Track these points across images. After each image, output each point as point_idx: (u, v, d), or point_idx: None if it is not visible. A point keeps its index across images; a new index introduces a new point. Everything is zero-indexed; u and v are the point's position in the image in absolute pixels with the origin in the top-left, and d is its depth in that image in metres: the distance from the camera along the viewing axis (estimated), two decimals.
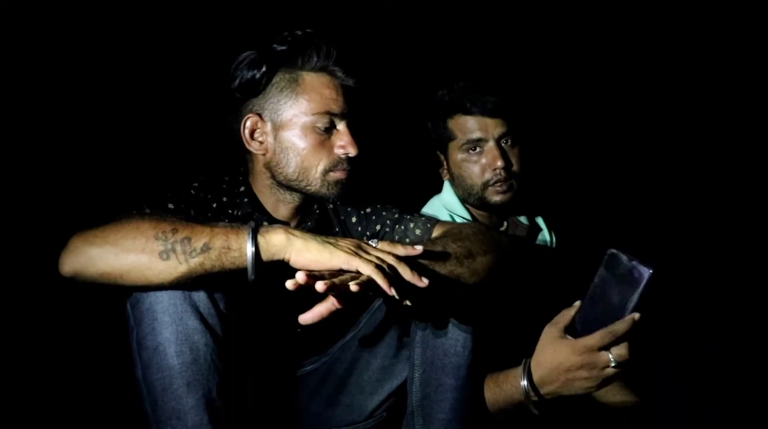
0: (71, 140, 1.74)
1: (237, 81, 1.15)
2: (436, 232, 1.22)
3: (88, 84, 1.76)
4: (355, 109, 1.19)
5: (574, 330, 1.07)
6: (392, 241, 1.13)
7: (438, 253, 1.04)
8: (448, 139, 1.53)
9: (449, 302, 1.08)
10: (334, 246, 0.94)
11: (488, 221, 1.57)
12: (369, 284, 0.89)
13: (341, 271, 0.93)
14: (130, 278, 0.91)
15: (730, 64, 2.34)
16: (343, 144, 1.16)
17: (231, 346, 0.98)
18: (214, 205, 1.16)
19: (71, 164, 1.73)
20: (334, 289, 0.85)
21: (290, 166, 1.15)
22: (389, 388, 1.20)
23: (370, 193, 1.31)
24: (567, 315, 1.10)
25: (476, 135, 1.48)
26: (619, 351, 1.04)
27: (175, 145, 1.83)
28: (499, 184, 1.47)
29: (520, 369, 1.14)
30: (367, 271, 0.90)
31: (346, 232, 1.28)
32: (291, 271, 0.90)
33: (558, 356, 1.07)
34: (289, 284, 0.84)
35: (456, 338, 1.09)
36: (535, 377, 1.11)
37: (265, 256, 0.94)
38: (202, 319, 0.94)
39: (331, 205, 1.29)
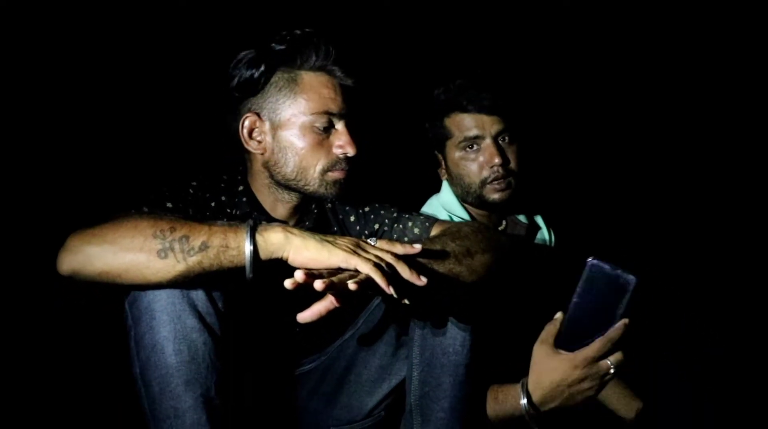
0: (70, 139, 1.74)
1: (235, 80, 1.15)
2: (434, 231, 1.23)
3: (86, 83, 1.76)
4: (354, 109, 1.19)
5: (563, 343, 1.07)
6: (391, 239, 1.13)
7: (437, 252, 1.04)
8: (446, 137, 1.52)
9: (448, 301, 1.08)
10: (332, 244, 0.94)
11: (487, 221, 1.56)
12: (367, 283, 0.89)
13: (340, 270, 0.93)
14: (129, 277, 0.91)
15: (729, 63, 2.34)
16: (342, 144, 1.16)
17: (229, 344, 0.98)
18: (213, 205, 1.16)
19: (70, 163, 1.72)
20: (332, 288, 0.85)
21: (288, 166, 1.15)
22: (388, 386, 1.21)
23: (368, 192, 1.31)
24: (552, 329, 1.09)
25: (473, 132, 1.47)
26: (616, 357, 1.06)
27: (173, 144, 1.83)
28: (497, 181, 1.47)
29: (519, 389, 1.14)
30: (366, 269, 0.90)
31: (344, 231, 1.28)
32: (289, 270, 0.90)
33: (558, 373, 1.07)
34: (288, 283, 0.84)
35: (455, 337, 1.09)
36: (537, 397, 1.11)
37: (264, 254, 0.94)
38: (200, 317, 0.94)
39: (329, 205, 1.29)
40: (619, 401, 1.47)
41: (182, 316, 0.93)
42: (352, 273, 0.91)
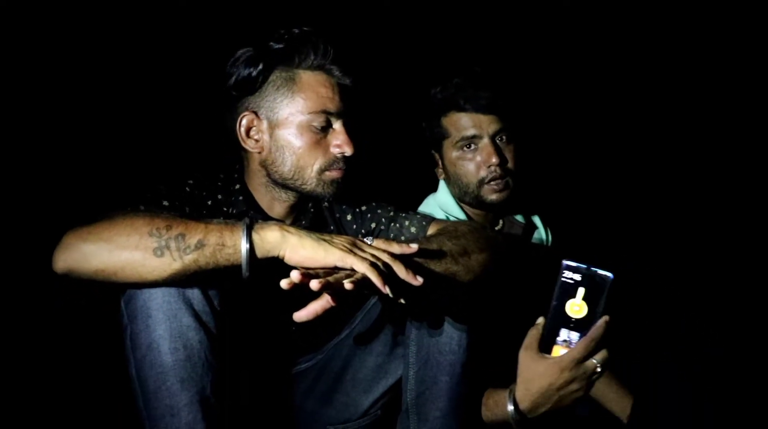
0: (67, 137, 1.74)
1: (233, 78, 1.14)
2: (431, 230, 1.22)
3: (83, 81, 1.76)
4: (352, 108, 1.19)
5: (546, 348, 1.07)
6: (387, 238, 1.13)
7: (433, 251, 1.04)
8: (443, 136, 1.51)
9: (445, 300, 1.08)
10: (329, 243, 0.94)
11: (484, 220, 1.56)
12: (364, 282, 0.89)
13: (336, 269, 0.93)
14: (124, 275, 0.91)
15: (728, 63, 2.34)
16: (339, 143, 1.15)
17: (225, 343, 0.98)
18: (209, 203, 1.15)
19: (66, 161, 1.72)
20: (328, 288, 0.85)
21: (286, 165, 1.14)
22: (384, 386, 1.21)
23: (365, 191, 1.31)
24: (535, 334, 1.09)
25: (470, 132, 1.46)
26: (602, 355, 1.06)
27: (170, 143, 1.83)
28: (494, 181, 1.46)
29: (506, 397, 1.14)
30: (362, 268, 0.90)
31: (341, 230, 1.28)
32: (286, 269, 0.90)
33: (546, 378, 1.07)
34: (284, 283, 0.84)
35: (451, 336, 1.09)
36: (527, 404, 1.10)
37: (260, 253, 0.94)
38: (196, 316, 0.94)
39: (326, 203, 1.28)
40: (616, 402, 1.47)
41: (178, 314, 0.93)
42: (348, 272, 0.91)
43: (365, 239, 1.00)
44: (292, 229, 0.96)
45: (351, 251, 0.93)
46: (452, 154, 1.51)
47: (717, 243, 2.26)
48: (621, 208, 2.36)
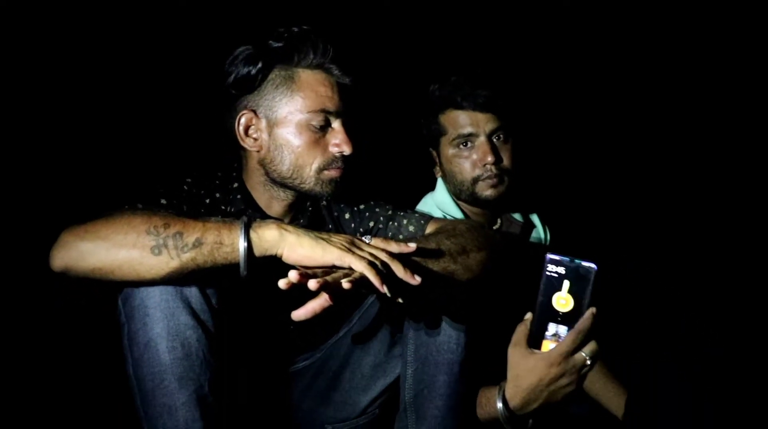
0: (64, 136, 1.74)
1: (232, 77, 1.14)
2: (429, 229, 1.22)
3: (81, 80, 1.76)
4: (351, 107, 1.19)
5: (535, 343, 1.07)
6: (386, 237, 1.13)
7: (431, 250, 1.04)
8: (440, 134, 1.51)
9: (443, 299, 1.07)
10: (327, 242, 0.94)
11: (482, 219, 1.56)
12: (362, 281, 0.89)
13: (334, 268, 0.92)
14: (122, 273, 0.91)
15: (727, 63, 2.33)
16: (338, 142, 1.15)
17: (223, 341, 0.98)
18: (207, 201, 1.15)
19: (64, 160, 1.72)
20: (326, 288, 0.85)
21: (284, 164, 1.14)
22: (382, 384, 1.21)
23: (364, 190, 1.31)
24: (524, 330, 1.08)
25: (467, 130, 1.46)
26: (590, 347, 1.05)
27: (168, 141, 1.82)
28: (489, 178, 1.46)
29: (496, 395, 1.13)
30: (360, 267, 0.90)
31: (339, 229, 1.27)
32: (284, 267, 0.90)
33: (535, 374, 1.06)
34: (282, 283, 0.84)
35: (449, 335, 1.09)
36: (518, 401, 1.10)
37: (258, 251, 0.94)
38: (194, 314, 0.94)
39: (324, 202, 1.28)
40: (614, 401, 1.47)
41: (176, 313, 0.93)
42: (346, 271, 0.91)
43: (363, 238, 1.00)
44: (290, 228, 0.96)
45: (349, 250, 0.93)
46: (449, 151, 1.51)
47: (717, 243, 2.25)
48: (620, 208, 2.35)
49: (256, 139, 1.16)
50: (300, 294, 0.86)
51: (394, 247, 0.98)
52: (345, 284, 0.85)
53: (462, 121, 1.47)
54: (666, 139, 2.43)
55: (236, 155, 1.22)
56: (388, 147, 1.96)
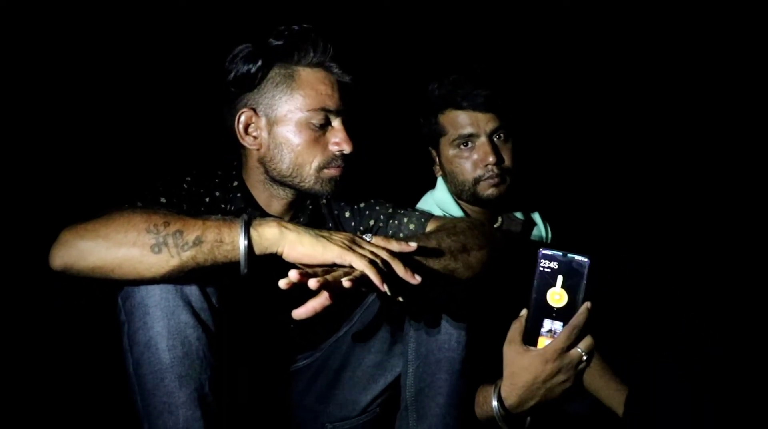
0: (64, 135, 1.73)
1: (232, 75, 1.14)
2: (430, 227, 1.22)
3: (81, 79, 1.76)
4: (351, 106, 1.18)
5: (531, 340, 1.06)
6: (386, 235, 1.12)
7: (432, 249, 1.03)
8: (440, 134, 1.50)
9: (444, 298, 1.07)
10: (327, 240, 0.94)
11: (483, 218, 1.55)
12: (362, 280, 0.89)
13: (334, 266, 0.92)
14: (122, 272, 0.90)
15: (726, 63, 2.33)
16: (338, 141, 1.15)
17: (223, 340, 0.98)
18: (207, 200, 1.15)
19: (64, 158, 1.72)
20: (327, 287, 0.85)
21: (284, 162, 1.14)
22: (383, 383, 1.20)
23: (364, 188, 1.30)
24: (518, 327, 1.08)
25: (467, 130, 1.45)
26: (586, 343, 1.05)
27: (167, 140, 1.82)
28: (491, 179, 1.46)
29: (491, 393, 1.12)
30: (361, 266, 0.89)
31: (339, 227, 1.27)
32: (284, 265, 0.89)
33: (531, 371, 1.05)
34: (282, 283, 0.83)
35: (450, 333, 1.08)
36: (513, 399, 1.09)
37: (258, 249, 0.93)
38: (194, 313, 0.94)
39: (324, 200, 1.28)
40: (614, 398, 1.46)
41: (176, 311, 0.93)
42: (346, 269, 0.91)
43: (364, 236, 1.00)
44: (290, 226, 0.95)
45: (350, 248, 0.93)
46: (449, 151, 1.50)
47: (717, 243, 2.25)
48: (621, 207, 2.35)
49: (255, 138, 1.16)
50: (300, 293, 0.85)
51: (395, 246, 0.98)
52: (345, 283, 0.85)
53: (462, 121, 1.46)
54: (666, 139, 2.43)
55: (236, 154, 1.22)
56: (388, 146, 1.96)
